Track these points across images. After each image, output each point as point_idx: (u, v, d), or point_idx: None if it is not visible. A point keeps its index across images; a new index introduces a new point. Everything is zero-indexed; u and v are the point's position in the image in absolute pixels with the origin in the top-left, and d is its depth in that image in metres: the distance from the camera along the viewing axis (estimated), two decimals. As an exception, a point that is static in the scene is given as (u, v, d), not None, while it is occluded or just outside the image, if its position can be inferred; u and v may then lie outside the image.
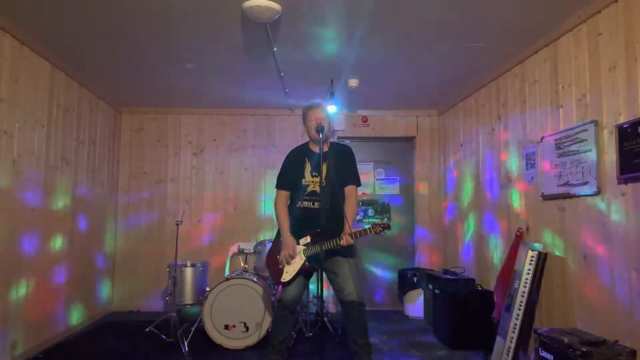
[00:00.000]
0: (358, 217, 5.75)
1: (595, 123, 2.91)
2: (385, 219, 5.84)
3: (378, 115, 5.89)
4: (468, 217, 4.92)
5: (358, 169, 3.34)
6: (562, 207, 3.27)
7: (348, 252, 3.14)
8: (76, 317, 4.57)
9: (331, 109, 4.57)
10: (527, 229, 3.70)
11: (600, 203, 2.88)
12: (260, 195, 5.76)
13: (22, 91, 3.58)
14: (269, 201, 5.63)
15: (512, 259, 3.65)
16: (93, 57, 4.03)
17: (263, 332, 3.95)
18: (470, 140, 4.92)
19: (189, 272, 4.40)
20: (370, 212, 5.89)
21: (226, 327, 3.98)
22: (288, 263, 3.16)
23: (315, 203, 3.17)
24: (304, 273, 3.19)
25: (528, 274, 3.34)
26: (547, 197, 3.44)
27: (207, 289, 4.20)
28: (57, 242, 4.16)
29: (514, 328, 3.30)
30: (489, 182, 4.45)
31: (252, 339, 3.96)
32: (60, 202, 4.22)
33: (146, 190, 5.72)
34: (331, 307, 5.52)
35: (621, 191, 2.70)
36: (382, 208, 5.90)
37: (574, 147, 3.11)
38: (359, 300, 3.06)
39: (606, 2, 2.84)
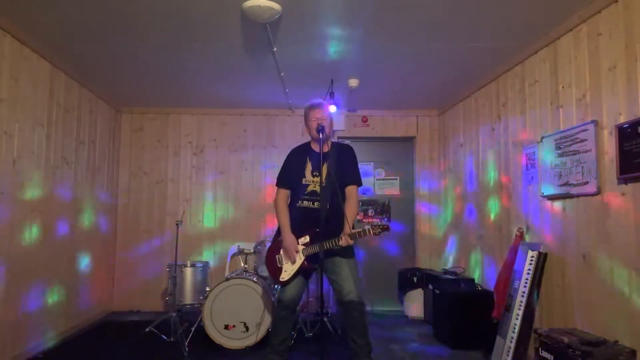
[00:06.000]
0: (358, 217, 5.75)
1: (595, 123, 2.91)
2: (385, 219, 5.84)
3: (378, 115, 5.89)
4: (468, 217, 4.92)
5: (359, 169, 3.34)
6: (562, 207, 3.27)
7: (347, 252, 3.13)
8: (76, 316, 4.57)
9: (331, 108, 4.57)
10: (527, 229, 3.70)
11: (600, 203, 2.88)
12: (260, 195, 5.76)
13: (22, 91, 3.58)
14: (269, 201, 5.63)
15: (512, 259, 3.65)
16: (93, 57, 4.03)
17: (263, 332, 3.95)
18: (470, 140, 4.92)
19: (189, 272, 4.40)
20: (370, 212, 5.89)
21: (226, 327, 3.98)
22: (293, 262, 3.16)
23: (315, 203, 3.17)
24: (303, 273, 3.19)
25: (528, 274, 3.35)
26: (547, 197, 3.44)
27: (207, 289, 4.20)
28: (57, 242, 4.16)
29: (514, 328, 3.30)
30: (488, 182, 4.45)
31: (252, 339, 3.96)
32: (60, 202, 4.21)
33: (146, 190, 5.72)
34: (331, 307, 5.51)
35: (621, 191, 2.70)
36: (382, 208, 5.90)
37: (574, 147, 3.11)
38: (359, 299, 3.06)
39: (606, 2, 2.84)
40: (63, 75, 4.21)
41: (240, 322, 3.99)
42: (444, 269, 5.11)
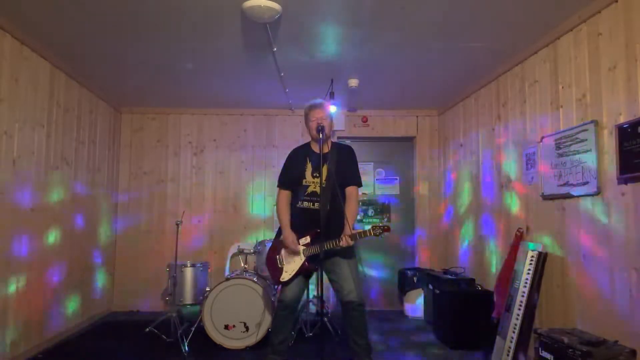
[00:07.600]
0: (358, 218, 5.75)
1: (595, 123, 2.91)
2: (385, 219, 5.84)
3: (378, 115, 5.89)
4: (468, 217, 4.92)
5: (359, 169, 3.34)
6: (562, 207, 3.27)
7: (348, 252, 3.14)
8: (76, 317, 4.57)
9: (331, 109, 4.57)
10: (527, 229, 3.70)
11: (600, 203, 2.88)
12: (260, 195, 5.75)
13: (22, 91, 3.58)
14: (269, 201, 5.64)
15: (512, 259, 3.65)
16: (93, 57, 4.03)
17: (263, 332, 3.95)
18: (470, 140, 4.92)
19: (189, 272, 4.40)
20: (370, 212, 5.89)
21: (226, 327, 3.98)
22: (297, 254, 3.16)
23: (316, 204, 3.17)
24: (304, 273, 3.20)
25: (528, 274, 3.35)
26: (547, 197, 3.44)
27: (207, 289, 4.20)
28: (57, 242, 4.16)
29: (514, 328, 3.30)
30: (488, 182, 4.45)
31: (252, 339, 3.96)
32: (60, 202, 4.21)
33: (146, 190, 5.72)
34: (331, 307, 5.52)
35: (621, 191, 2.70)
36: (382, 208, 5.90)
37: (573, 147, 3.11)
38: (359, 300, 3.06)
39: (606, 2, 2.84)
40: (63, 75, 4.21)
41: (240, 322, 3.99)
42: (444, 269, 5.10)
